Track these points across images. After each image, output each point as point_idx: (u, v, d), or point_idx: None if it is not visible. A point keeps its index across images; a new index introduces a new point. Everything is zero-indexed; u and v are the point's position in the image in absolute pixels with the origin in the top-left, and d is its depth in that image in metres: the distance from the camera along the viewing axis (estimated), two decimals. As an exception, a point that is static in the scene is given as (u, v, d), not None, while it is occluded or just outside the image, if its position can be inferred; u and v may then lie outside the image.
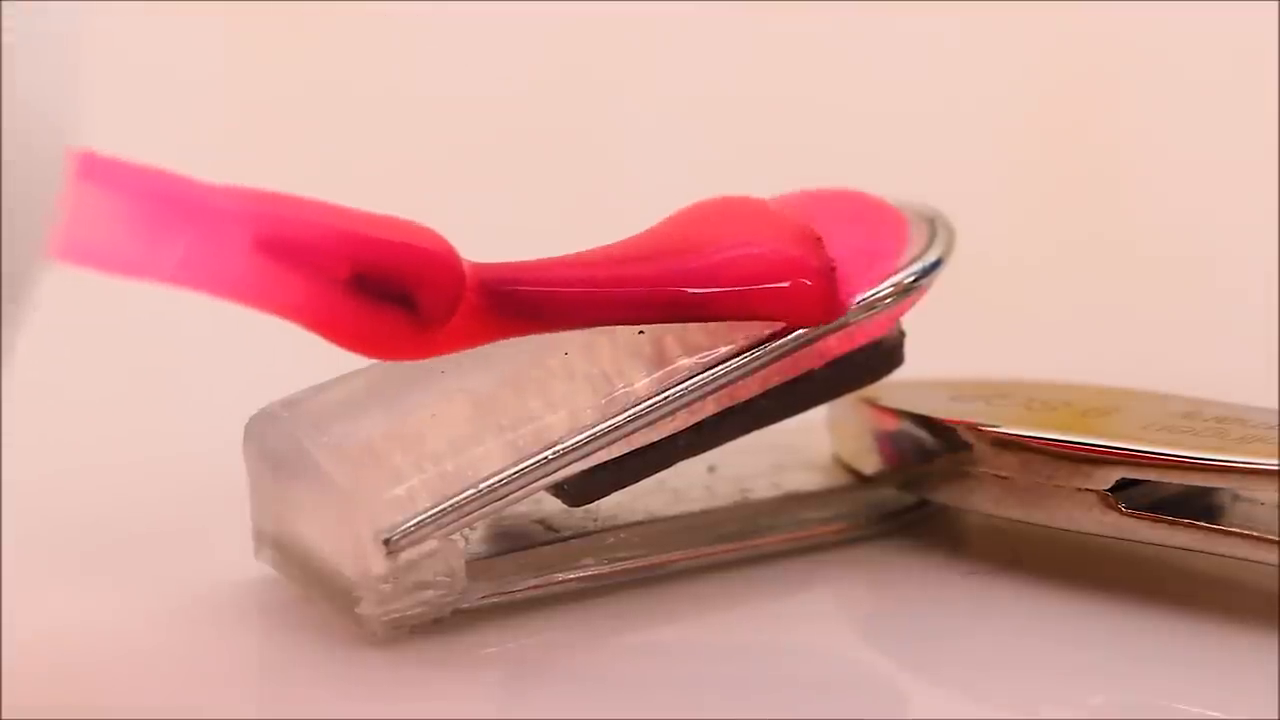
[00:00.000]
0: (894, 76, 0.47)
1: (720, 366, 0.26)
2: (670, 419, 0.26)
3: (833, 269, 0.26)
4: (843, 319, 0.26)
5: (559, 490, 0.26)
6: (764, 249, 0.26)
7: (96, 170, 0.22)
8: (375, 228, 0.24)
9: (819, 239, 0.26)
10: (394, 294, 0.24)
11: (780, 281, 0.26)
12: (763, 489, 0.28)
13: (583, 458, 0.25)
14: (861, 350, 0.27)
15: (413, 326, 0.24)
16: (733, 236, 0.26)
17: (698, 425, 0.26)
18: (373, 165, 0.44)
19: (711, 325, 0.26)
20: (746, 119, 0.46)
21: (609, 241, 0.27)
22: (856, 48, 0.47)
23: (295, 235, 0.23)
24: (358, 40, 0.46)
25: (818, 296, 0.26)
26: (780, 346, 0.26)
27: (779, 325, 0.26)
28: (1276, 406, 0.27)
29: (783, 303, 0.26)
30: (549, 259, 0.25)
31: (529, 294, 0.25)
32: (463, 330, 0.24)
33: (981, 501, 0.28)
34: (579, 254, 0.25)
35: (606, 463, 0.26)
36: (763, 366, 0.26)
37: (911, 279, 0.27)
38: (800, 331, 0.26)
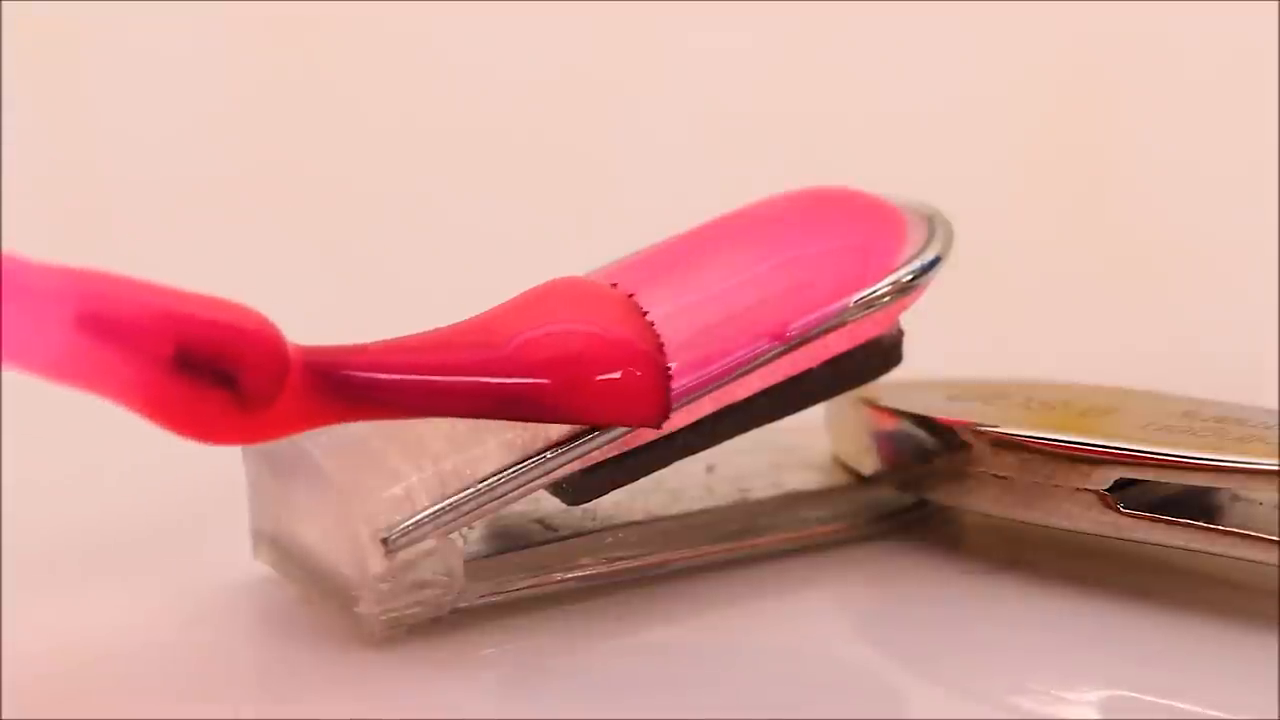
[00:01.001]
0: (894, 76, 0.47)
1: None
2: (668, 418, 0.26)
3: (668, 371, 0.25)
4: (838, 319, 0.26)
5: (558, 489, 0.26)
6: (601, 336, 0.25)
7: None
8: (197, 307, 0.23)
9: (660, 344, 0.25)
10: (216, 373, 0.23)
11: (610, 371, 0.25)
12: (762, 489, 0.28)
13: (581, 456, 0.25)
14: (860, 349, 0.27)
15: (236, 407, 0.23)
16: (570, 321, 0.25)
17: (696, 424, 0.26)
18: (372, 168, 0.44)
19: None
20: (747, 119, 0.46)
21: (612, 250, 0.27)
22: (856, 48, 0.47)
23: (116, 313, 0.23)
24: (361, 43, 0.46)
25: (648, 387, 0.25)
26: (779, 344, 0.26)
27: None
28: (1276, 406, 0.27)
29: (613, 391, 0.25)
30: (383, 342, 0.25)
31: (354, 379, 0.24)
32: (289, 413, 0.24)
33: (980, 501, 0.28)
34: (417, 337, 0.25)
35: (605, 461, 0.26)
36: (761, 365, 0.26)
37: (910, 277, 0.27)
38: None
